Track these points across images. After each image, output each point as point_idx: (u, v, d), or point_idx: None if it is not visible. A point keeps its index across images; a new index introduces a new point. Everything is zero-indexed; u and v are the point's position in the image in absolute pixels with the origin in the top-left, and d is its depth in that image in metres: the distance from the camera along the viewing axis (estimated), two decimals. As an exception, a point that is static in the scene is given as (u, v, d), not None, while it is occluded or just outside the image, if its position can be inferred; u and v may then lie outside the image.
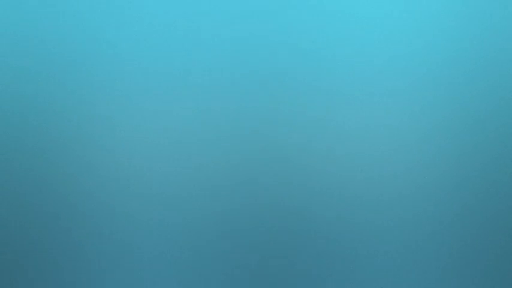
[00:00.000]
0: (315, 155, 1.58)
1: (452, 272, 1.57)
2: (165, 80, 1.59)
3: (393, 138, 1.58)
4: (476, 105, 1.58)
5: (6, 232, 1.57)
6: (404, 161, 1.57)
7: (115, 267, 1.57)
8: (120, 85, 1.59)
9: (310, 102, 1.58)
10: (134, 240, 1.57)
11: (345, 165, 1.58)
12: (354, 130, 1.58)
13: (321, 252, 1.57)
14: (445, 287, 1.57)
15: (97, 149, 1.58)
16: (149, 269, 1.57)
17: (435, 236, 1.57)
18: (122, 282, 1.57)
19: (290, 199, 1.58)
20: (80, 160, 1.57)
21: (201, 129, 1.58)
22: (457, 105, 1.58)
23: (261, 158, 1.58)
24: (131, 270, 1.57)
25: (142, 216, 1.57)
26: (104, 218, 1.57)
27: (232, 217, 1.57)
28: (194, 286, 1.57)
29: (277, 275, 1.58)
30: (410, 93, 1.58)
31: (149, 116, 1.58)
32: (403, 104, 1.58)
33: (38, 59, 1.59)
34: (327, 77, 1.58)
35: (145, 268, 1.57)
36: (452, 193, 1.57)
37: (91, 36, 1.59)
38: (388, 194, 1.57)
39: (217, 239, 1.58)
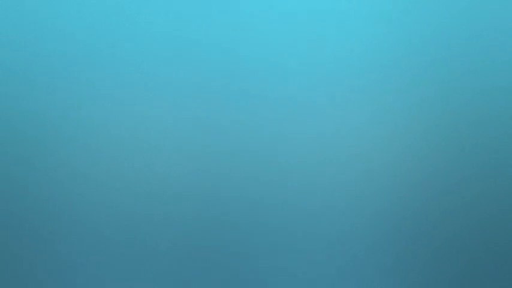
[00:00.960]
0: (312, 155, 1.58)
1: (451, 271, 1.57)
2: (163, 82, 1.59)
3: (390, 138, 1.58)
4: (466, 105, 1.58)
5: (6, 232, 1.58)
6: (401, 161, 1.57)
7: (115, 265, 1.58)
8: (118, 88, 1.59)
9: (304, 105, 1.59)
10: (133, 239, 1.58)
11: (342, 166, 1.58)
12: (350, 131, 1.58)
13: (319, 252, 1.57)
14: (444, 285, 1.57)
15: (96, 150, 1.58)
16: (148, 265, 1.58)
17: (433, 235, 1.57)
18: (122, 280, 1.58)
19: (289, 199, 1.58)
20: (78, 161, 1.58)
21: (199, 130, 1.59)
22: (453, 105, 1.58)
23: (259, 157, 1.58)
24: (131, 267, 1.58)
25: (141, 215, 1.58)
26: (103, 218, 1.58)
27: (230, 216, 1.58)
28: (193, 282, 1.58)
29: (277, 274, 1.58)
30: (406, 94, 1.58)
31: (147, 117, 1.59)
32: (399, 105, 1.58)
33: (39, 60, 1.60)
34: (321, 77, 1.59)
35: (145, 265, 1.58)
36: (449, 193, 1.57)
37: (90, 39, 1.60)
38: (385, 193, 1.57)
39: (216, 237, 1.58)
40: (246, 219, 1.58)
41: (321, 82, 1.59)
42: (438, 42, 1.59)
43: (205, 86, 1.59)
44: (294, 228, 1.58)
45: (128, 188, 1.58)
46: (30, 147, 1.58)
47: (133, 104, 1.59)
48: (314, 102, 1.59)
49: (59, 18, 1.60)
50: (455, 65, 1.58)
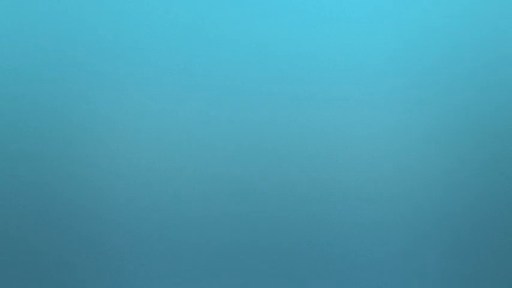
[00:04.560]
0: (315, 156, 1.58)
1: (450, 272, 1.57)
2: (166, 80, 1.59)
3: (391, 139, 1.58)
4: (471, 106, 1.58)
5: (9, 232, 1.57)
6: (402, 162, 1.58)
7: (114, 264, 1.57)
8: (122, 86, 1.59)
9: (307, 103, 1.59)
10: (135, 237, 1.57)
11: (343, 166, 1.58)
12: (352, 131, 1.58)
13: (321, 252, 1.57)
14: (443, 286, 1.57)
15: (99, 149, 1.58)
16: (150, 265, 1.57)
17: (433, 235, 1.57)
18: (125, 279, 1.57)
19: (291, 199, 1.58)
20: (82, 159, 1.58)
21: (201, 129, 1.58)
22: (453, 105, 1.59)
23: (260, 157, 1.58)
24: (131, 266, 1.57)
25: (143, 214, 1.57)
26: (106, 216, 1.57)
27: (233, 217, 1.58)
28: (192, 283, 1.58)
29: (278, 275, 1.58)
30: (407, 95, 1.58)
31: (150, 116, 1.58)
32: (400, 105, 1.58)
33: (40, 60, 1.59)
34: (325, 79, 1.59)
35: (146, 264, 1.57)
36: (450, 193, 1.58)
37: (92, 37, 1.59)
38: (386, 193, 1.57)
39: (217, 237, 1.58)
40: (251, 218, 1.58)
41: (325, 80, 1.59)
42: (440, 43, 1.59)
43: (212, 83, 1.59)
44: (299, 228, 1.58)
45: (131, 185, 1.57)
46: (32, 144, 1.58)
47: (139, 103, 1.58)
48: (318, 100, 1.59)
49: (64, 14, 1.59)
50: (457, 67, 1.59)
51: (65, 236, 1.57)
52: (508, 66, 1.58)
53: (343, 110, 1.58)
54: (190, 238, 1.58)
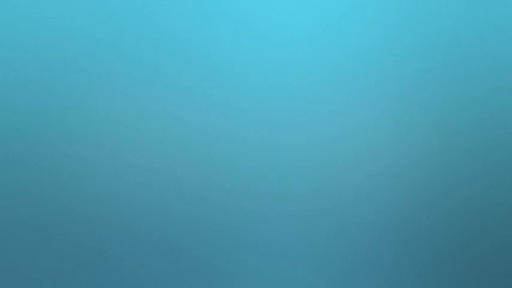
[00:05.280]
0: (314, 154, 1.58)
1: (450, 272, 1.58)
2: (166, 81, 1.59)
3: (391, 139, 1.58)
4: (464, 105, 1.59)
5: (10, 232, 1.57)
6: (401, 164, 1.58)
7: (114, 263, 1.57)
8: (121, 86, 1.59)
9: (308, 103, 1.59)
10: (135, 237, 1.57)
11: (344, 165, 1.58)
12: (352, 131, 1.59)
13: (321, 252, 1.58)
14: (443, 286, 1.58)
15: (99, 149, 1.58)
16: (146, 264, 1.58)
17: (432, 235, 1.58)
18: (125, 279, 1.58)
19: (291, 198, 1.58)
20: (82, 160, 1.58)
21: (201, 129, 1.59)
22: (453, 105, 1.59)
23: (260, 156, 1.58)
24: (133, 266, 1.58)
25: (143, 214, 1.58)
26: (107, 216, 1.57)
27: (234, 216, 1.58)
28: (195, 281, 1.58)
29: (277, 275, 1.58)
30: (408, 94, 1.59)
31: (150, 116, 1.59)
32: (401, 106, 1.59)
33: (40, 61, 1.60)
34: (324, 79, 1.59)
35: (143, 264, 1.58)
36: (449, 193, 1.58)
37: (92, 38, 1.60)
38: (386, 193, 1.58)
39: (217, 237, 1.58)
40: (252, 218, 1.58)
41: (320, 85, 1.59)
42: (438, 44, 1.60)
43: (212, 84, 1.59)
44: (294, 229, 1.58)
45: (131, 185, 1.57)
46: (32, 144, 1.58)
47: (138, 102, 1.59)
48: (314, 105, 1.59)
49: (64, 14, 1.59)
50: (455, 67, 1.59)
51: (64, 236, 1.57)
52: (508, 65, 1.59)
53: (343, 110, 1.58)
54: (189, 238, 1.58)
